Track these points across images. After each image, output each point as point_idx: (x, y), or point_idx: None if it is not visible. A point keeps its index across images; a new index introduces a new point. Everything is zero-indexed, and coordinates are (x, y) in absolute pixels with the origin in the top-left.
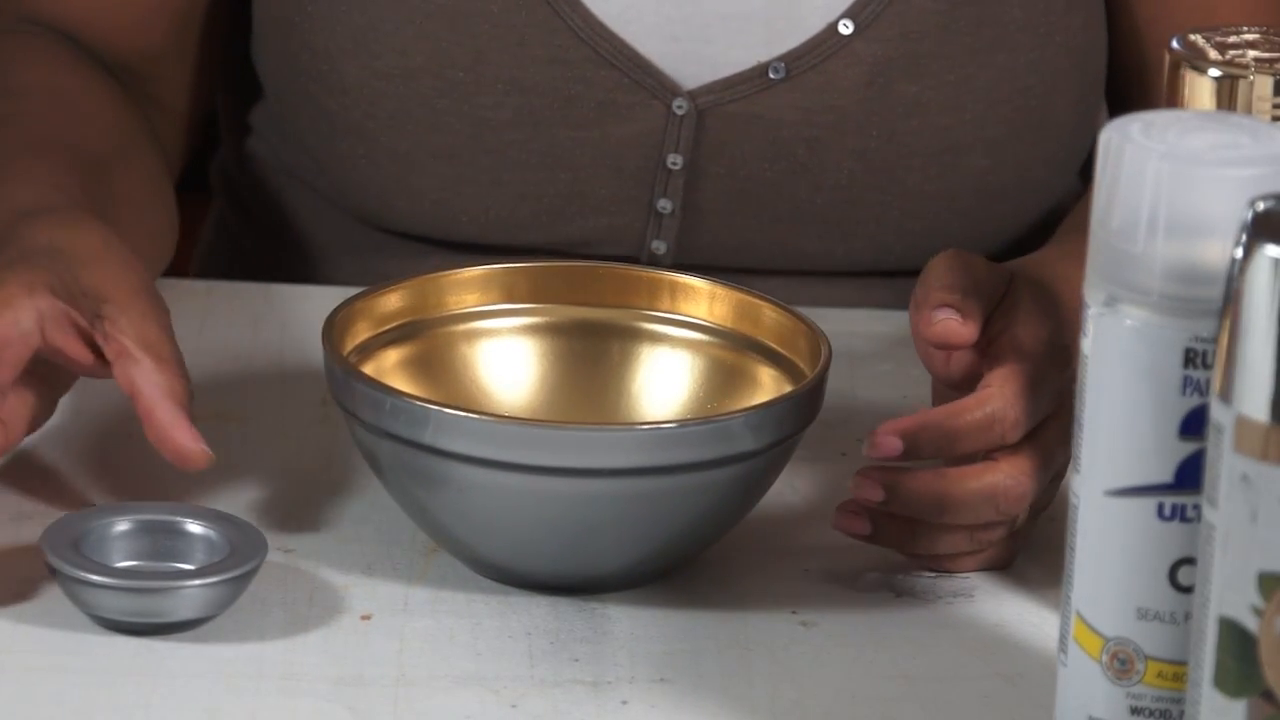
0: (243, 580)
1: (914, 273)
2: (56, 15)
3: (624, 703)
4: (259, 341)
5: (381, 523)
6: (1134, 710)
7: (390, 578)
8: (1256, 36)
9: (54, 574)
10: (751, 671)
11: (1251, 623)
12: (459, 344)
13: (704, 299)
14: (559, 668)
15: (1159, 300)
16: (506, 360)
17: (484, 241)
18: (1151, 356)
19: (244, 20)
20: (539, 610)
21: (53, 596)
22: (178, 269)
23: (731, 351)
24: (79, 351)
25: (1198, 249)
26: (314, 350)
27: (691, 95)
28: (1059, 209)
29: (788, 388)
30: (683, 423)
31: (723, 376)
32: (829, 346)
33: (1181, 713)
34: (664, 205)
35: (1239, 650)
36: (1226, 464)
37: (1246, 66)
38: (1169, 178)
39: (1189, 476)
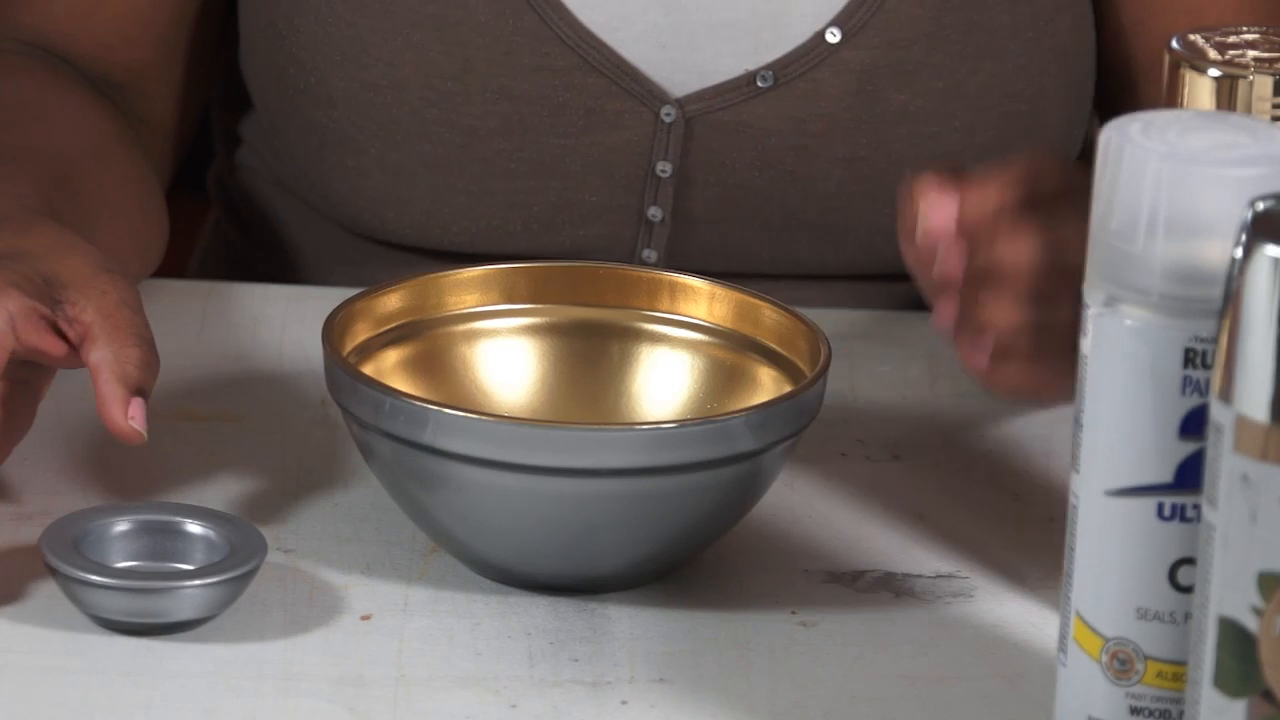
0: (243, 580)
1: (906, 278)
2: (40, 32)
3: (624, 703)
4: (259, 341)
5: (381, 523)
6: (1134, 710)
7: (390, 578)
8: (1256, 36)
9: (54, 574)
10: (751, 671)
11: (1251, 622)
12: (459, 344)
13: (703, 299)
14: (558, 668)
15: (1159, 300)
16: (506, 360)
17: (475, 251)
18: (1151, 356)
19: (233, 32)
20: (539, 610)
21: (53, 596)
22: (177, 271)
23: (731, 352)
24: (52, 344)
25: (1198, 249)
26: (314, 350)
27: (680, 103)
28: None
29: (788, 388)
30: (683, 423)
31: (723, 376)
32: (829, 347)
33: (1181, 713)
34: (654, 213)
35: (1239, 650)
36: (1226, 464)
37: (1246, 66)
38: (1169, 178)
39: (1189, 476)
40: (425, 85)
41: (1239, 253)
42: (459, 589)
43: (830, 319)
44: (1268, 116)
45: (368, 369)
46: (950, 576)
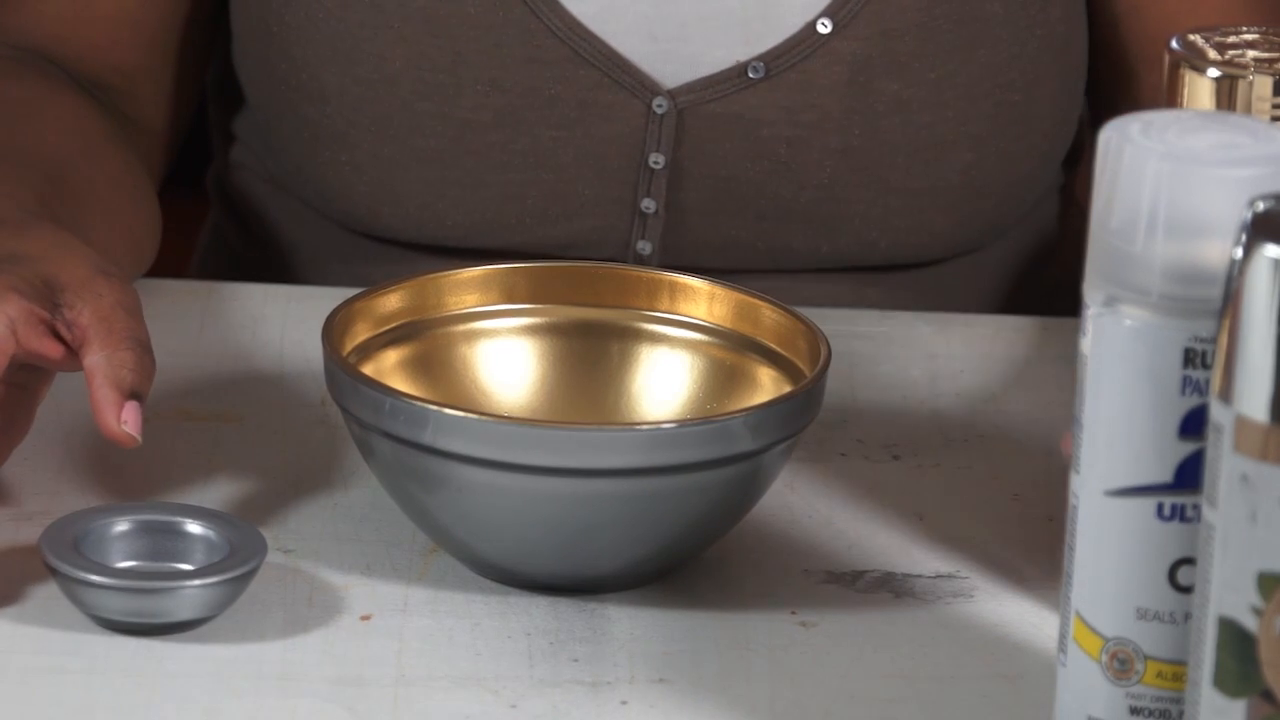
0: (242, 580)
1: (901, 268)
2: (29, 35)
3: (623, 703)
4: (259, 341)
5: (381, 523)
6: (1133, 710)
7: (390, 578)
8: (1256, 36)
9: (54, 574)
10: (751, 671)
11: (1251, 623)
12: (459, 344)
13: (703, 299)
14: (558, 668)
15: (1158, 300)
16: (506, 360)
17: (470, 246)
18: (1151, 356)
19: (226, 31)
20: (538, 610)
21: (53, 596)
22: (178, 271)
23: (731, 351)
24: (51, 348)
25: (1197, 249)
26: (314, 350)
27: (671, 94)
28: (1044, 201)
29: (788, 388)
30: (682, 423)
31: (723, 376)
32: (829, 346)
33: (1181, 713)
34: (648, 205)
35: (1238, 650)
36: (1226, 464)
37: (1246, 66)
38: (1169, 178)
39: (1189, 476)
40: (416, 78)
41: (1239, 253)
42: (459, 589)
43: (830, 319)
44: (1268, 116)
45: (368, 369)
46: (950, 576)
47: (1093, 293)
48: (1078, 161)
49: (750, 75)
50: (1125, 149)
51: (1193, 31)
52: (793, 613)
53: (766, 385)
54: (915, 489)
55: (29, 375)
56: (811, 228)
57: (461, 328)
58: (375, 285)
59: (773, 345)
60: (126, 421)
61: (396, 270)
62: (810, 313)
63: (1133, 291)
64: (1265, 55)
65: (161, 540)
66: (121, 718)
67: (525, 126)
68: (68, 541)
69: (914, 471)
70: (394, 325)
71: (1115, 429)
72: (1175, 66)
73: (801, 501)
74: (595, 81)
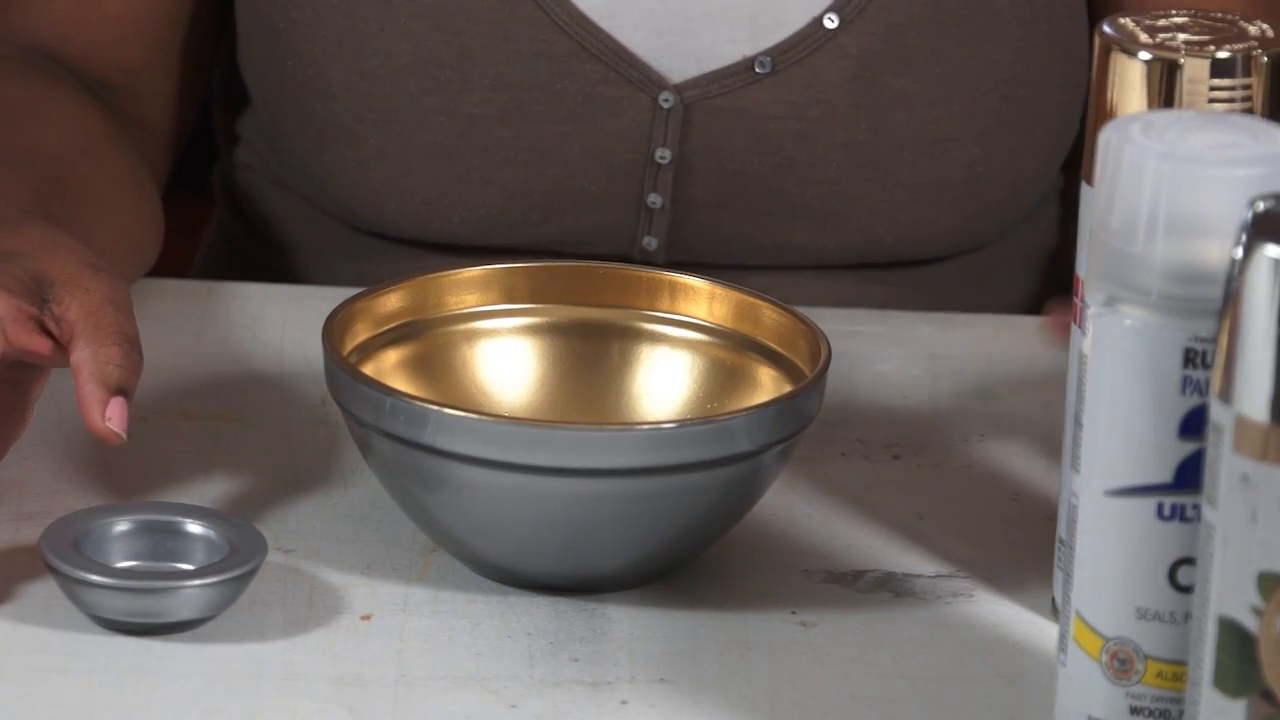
0: (243, 580)
1: (906, 264)
2: (34, 34)
3: (624, 703)
4: (259, 341)
5: (381, 523)
6: (1133, 710)
7: (390, 578)
8: (1186, 20)
9: (54, 574)
10: (751, 671)
11: (1251, 622)
12: (459, 344)
13: (703, 299)
14: (558, 668)
15: (1158, 300)
16: (506, 360)
17: (477, 243)
18: (1151, 356)
19: (230, 30)
20: (539, 610)
21: (53, 596)
22: (182, 270)
23: (731, 351)
24: (40, 344)
25: (1197, 249)
26: (314, 350)
27: (678, 89)
28: (1048, 196)
29: (788, 388)
30: (682, 423)
31: (723, 376)
32: (829, 346)
33: (1181, 713)
34: (654, 200)
35: (1238, 650)
36: (1226, 464)
37: (1177, 50)
38: (1169, 178)
39: (1189, 476)
40: (423, 74)
41: (1239, 253)
42: (459, 589)
43: (830, 319)
44: (1200, 100)
45: (368, 369)
46: (950, 576)
47: (1093, 293)
48: (1078, 164)
49: (757, 70)
50: (1125, 149)
51: (1123, 15)
52: (793, 613)
53: (766, 385)
54: (915, 489)
55: (22, 371)
56: (817, 223)
57: (462, 327)
58: (375, 285)
59: (773, 345)
60: (111, 418)
61: (402, 268)
62: (810, 312)
63: (1133, 291)
64: (1196, 38)
65: (162, 540)
66: (121, 718)
67: (532, 122)
68: (68, 541)
69: (914, 471)
70: (394, 325)
71: (1115, 429)
72: (1106, 50)
73: (801, 501)
74: (602, 76)
